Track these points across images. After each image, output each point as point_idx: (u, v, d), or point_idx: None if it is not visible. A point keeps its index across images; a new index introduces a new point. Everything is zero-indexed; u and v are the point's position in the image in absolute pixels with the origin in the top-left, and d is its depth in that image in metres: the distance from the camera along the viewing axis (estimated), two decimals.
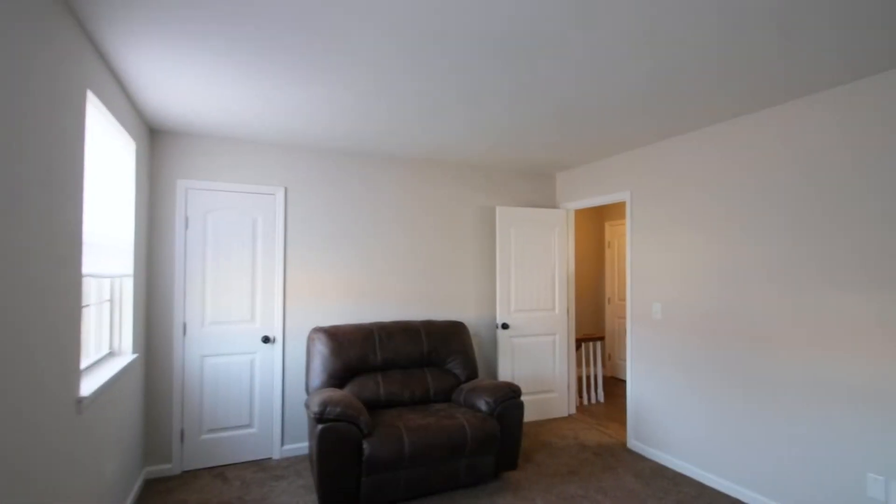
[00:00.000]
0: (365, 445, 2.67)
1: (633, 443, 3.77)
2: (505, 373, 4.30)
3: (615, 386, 5.75)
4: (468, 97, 2.68)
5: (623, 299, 6.07)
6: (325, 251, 3.77)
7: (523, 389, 4.38)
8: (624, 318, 6.04)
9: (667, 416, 3.49)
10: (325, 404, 2.66)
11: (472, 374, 3.68)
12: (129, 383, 2.82)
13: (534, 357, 4.43)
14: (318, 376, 3.22)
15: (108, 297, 2.79)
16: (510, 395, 3.17)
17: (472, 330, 4.35)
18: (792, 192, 2.70)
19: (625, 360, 6.02)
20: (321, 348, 3.29)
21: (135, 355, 2.84)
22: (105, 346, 2.76)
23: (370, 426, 2.76)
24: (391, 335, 3.53)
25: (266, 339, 3.53)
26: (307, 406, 2.92)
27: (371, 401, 3.26)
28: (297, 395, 3.65)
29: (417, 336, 3.61)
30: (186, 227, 3.36)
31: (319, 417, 2.62)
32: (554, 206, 4.80)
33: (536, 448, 3.78)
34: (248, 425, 3.51)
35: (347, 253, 3.85)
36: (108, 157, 2.48)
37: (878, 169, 2.34)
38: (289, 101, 2.73)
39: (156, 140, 3.32)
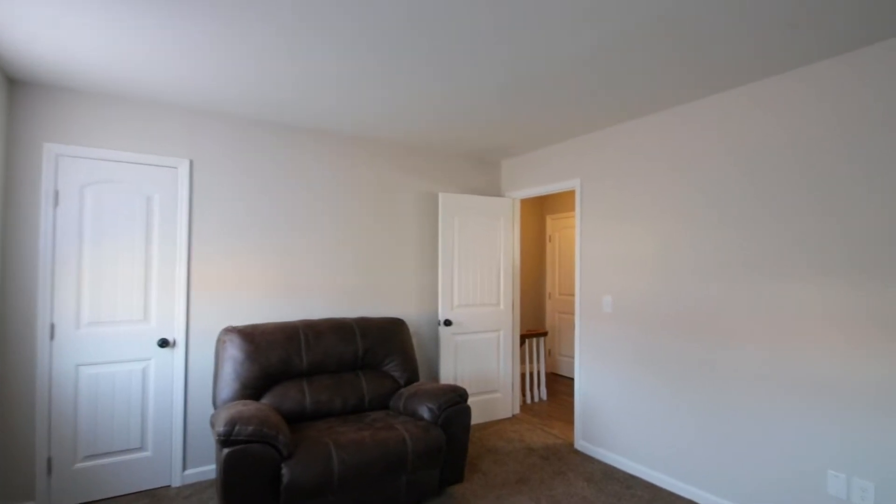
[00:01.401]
0: (284, 470, 2.20)
1: (581, 443, 3.57)
2: (447, 373, 3.95)
3: (556, 382, 5.61)
4: (387, 64, 2.32)
5: (564, 294, 5.96)
6: (240, 237, 3.21)
7: (467, 390, 4.05)
8: (565, 313, 5.93)
9: (617, 415, 3.31)
10: (233, 422, 2.15)
11: (413, 376, 3.30)
12: None
13: (478, 355, 4.12)
14: (228, 386, 2.68)
15: None
16: (456, 400, 2.82)
17: (411, 328, 3.96)
18: (761, 176, 2.57)
19: (566, 356, 5.92)
20: (234, 352, 2.75)
21: None
22: None
23: (291, 446, 2.29)
24: (320, 335, 3.06)
25: (164, 343, 2.92)
26: (212, 424, 2.39)
27: (295, 413, 2.77)
28: (204, 408, 3.07)
29: (351, 335, 3.16)
30: (56, 203, 2.68)
31: (226, 439, 2.11)
32: (499, 194, 4.52)
33: (482, 454, 3.47)
34: (140, 448, 2.88)
35: (269, 240, 3.31)
36: None
37: (865, 148, 2.24)
38: (172, 47, 2.18)
39: (17, 92, 2.60)
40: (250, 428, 2.15)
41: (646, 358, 3.12)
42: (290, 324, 3.03)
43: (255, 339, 2.81)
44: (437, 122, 3.28)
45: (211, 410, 3.08)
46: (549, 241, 6.25)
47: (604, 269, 3.45)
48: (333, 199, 3.58)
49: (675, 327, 2.94)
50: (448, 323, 3.95)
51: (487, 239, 4.20)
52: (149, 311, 2.91)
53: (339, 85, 2.63)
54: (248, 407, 2.35)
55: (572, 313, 5.82)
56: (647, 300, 3.12)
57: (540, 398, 4.90)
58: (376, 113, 3.11)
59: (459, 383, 4.01)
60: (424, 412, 2.78)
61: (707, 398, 2.76)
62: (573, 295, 5.81)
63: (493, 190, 4.49)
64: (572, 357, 5.80)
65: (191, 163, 3.04)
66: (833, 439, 2.26)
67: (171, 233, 2.98)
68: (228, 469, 2.10)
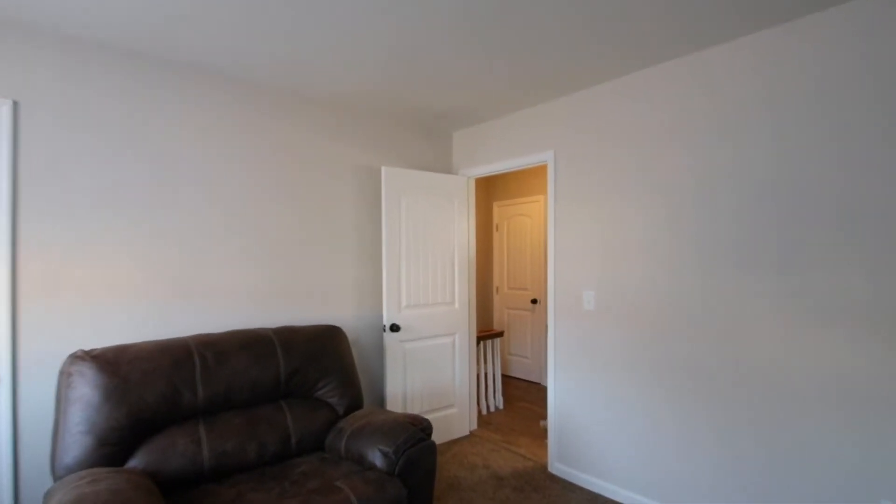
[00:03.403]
0: None
1: (557, 466, 3.02)
2: (395, 390, 3.22)
3: (508, 386, 5.07)
4: None
5: (514, 288, 5.43)
6: (100, 218, 2.23)
7: (419, 409, 3.35)
8: (515, 308, 5.41)
9: (603, 432, 2.78)
10: None
11: (355, 401, 2.54)
12: None
13: (431, 365, 3.43)
14: (76, 444, 1.76)
15: None
16: (418, 437, 2.11)
17: (349, 336, 3.17)
18: (770, 144, 2.11)
19: (517, 356, 5.40)
20: (85, 391, 1.82)
21: None
22: None
23: None
24: (224, 355, 2.20)
25: None
26: None
27: (187, 474, 1.91)
28: (46, 471, 2.09)
29: (269, 352, 2.33)
30: None
31: None
32: (450, 172, 3.84)
33: (443, 491, 2.79)
34: None
35: (145, 223, 2.36)
36: None
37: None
38: None
39: None
40: None
41: (637, 363, 2.61)
42: (177, 342, 2.14)
43: (120, 368, 1.89)
44: (372, 62, 2.52)
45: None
46: (496, 230, 5.70)
47: (584, 260, 2.90)
48: (242, 167, 2.69)
49: (675, 327, 2.45)
50: (395, 328, 3.21)
51: (440, 225, 3.51)
52: None
53: None
54: (99, 486, 1.47)
55: (524, 309, 5.31)
56: (642, 295, 2.60)
57: (496, 407, 4.32)
58: (285, 43, 2.28)
59: (410, 400, 3.30)
60: (376, 458, 2.04)
61: (719, 412, 2.29)
62: (525, 289, 5.30)
63: (444, 166, 3.80)
64: (525, 356, 5.30)
65: (14, 105, 2.02)
66: (888, 463, 1.85)
67: None
68: None
